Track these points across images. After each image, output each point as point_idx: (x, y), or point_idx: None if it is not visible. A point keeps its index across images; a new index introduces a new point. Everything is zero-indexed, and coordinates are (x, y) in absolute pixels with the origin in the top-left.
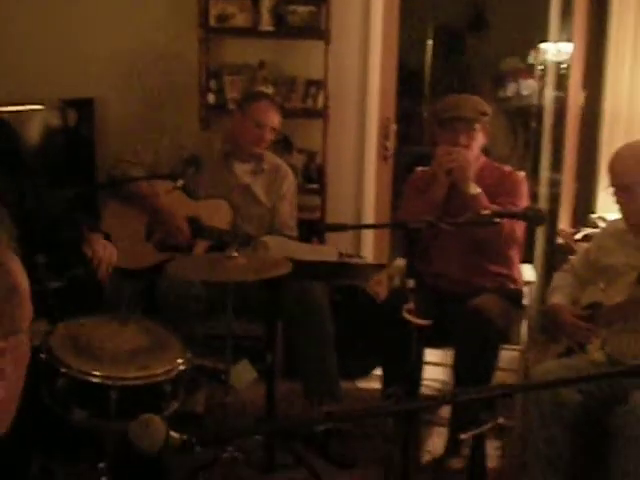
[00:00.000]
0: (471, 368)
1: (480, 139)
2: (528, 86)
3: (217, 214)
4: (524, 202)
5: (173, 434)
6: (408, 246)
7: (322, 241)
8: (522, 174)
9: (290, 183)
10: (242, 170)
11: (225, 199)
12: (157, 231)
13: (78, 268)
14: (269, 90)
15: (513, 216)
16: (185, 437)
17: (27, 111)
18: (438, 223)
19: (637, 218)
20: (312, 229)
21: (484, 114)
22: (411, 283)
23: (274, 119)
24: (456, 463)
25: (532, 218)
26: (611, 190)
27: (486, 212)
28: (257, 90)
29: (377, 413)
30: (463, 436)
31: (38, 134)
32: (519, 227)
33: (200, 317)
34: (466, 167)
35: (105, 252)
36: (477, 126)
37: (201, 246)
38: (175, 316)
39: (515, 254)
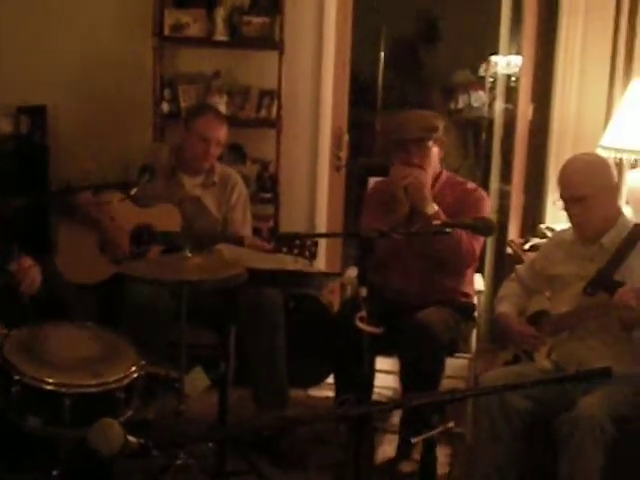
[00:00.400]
0: (416, 378)
1: (435, 154)
2: (478, 98)
3: (167, 219)
4: None
5: (130, 438)
6: (361, 255)
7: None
8: (482, 191)
9: (240, 191)
10: (191, 183)
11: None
12: (108, 244)
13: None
14: (223, 100)
15: (463, 226)
16: (142, 441)
17: None
18: (390, 233)
19: (590, 230)
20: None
21: (434, 130)
22: (364, 292)
23: (219, 133)
24: (407, 466)
25: (482, 229)
26: (560, 203)
27: (437, 222)
28: (201, 104)
29: (330, 418)
30: (414, 440)
31: None
32: (477, 244)
33: (164, 323)
34: (420, 187)
35: (29, 272)
36: (429, 143)
37: (154, 251)
38: (141, 324)
39: (472, 271)
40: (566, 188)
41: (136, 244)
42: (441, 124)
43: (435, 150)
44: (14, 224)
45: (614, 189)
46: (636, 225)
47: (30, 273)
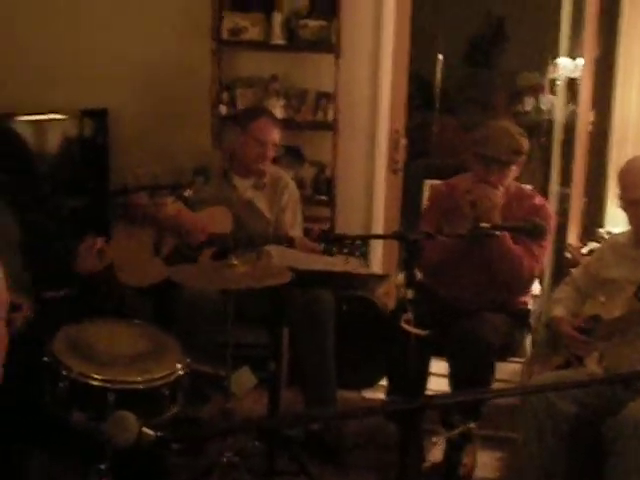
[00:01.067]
0: (464, 382)
1: (513, 175)
2: (547, 101)
3: (219, 221)
4: (548, 238)
5: (147, 431)
6: (407, 257)
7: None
8: (549, 208)
9: (291, 193)
10: (243, 185)
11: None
12: (165, 245)
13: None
14: (280, 102)
15: (512, 229)
16: (159, 434)
17: (48, 120)
18: (436, 235)
19: None
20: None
21: (519, 153)
22: (410, 294)
23: (275, 135)
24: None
25: (532, 231)
26: (621, 204)
27: (486, 225)
28: (256, 106)
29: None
30: (434, 439)
31: (57, 143)
32: (539, 264)
33: (216, 325)
34: (492, 208)
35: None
36: (512, 167)
37: (206, 254)
38: (193, 326)
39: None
40: (626, 189)
41: (190, 247)
42: (527, 146)
43: (514, 172)
44: (74, 224)
45: None
46: None
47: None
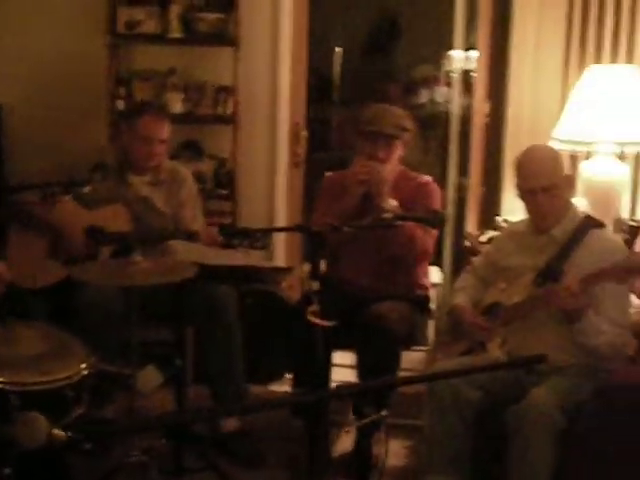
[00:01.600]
0: (372, 372)
1: (399, 152)
2: (442, 93)
3: (117, 219)
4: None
5: (57, 431)
6: (313, 249)
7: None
8: (434, 185)
9: (189, 188)
10: (139, 182)
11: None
12: (60, 247)
13: None
14: (179, 96)
15: (413, 219)
16: (70, 434)
17: None
18: (341, 227)
19: (550, 219)
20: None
21: (405, 129)
22: (315, 286)
23: (160, 131)
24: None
25: (431, 220)
26: (518, 193)
27: (388, 215)
28: (142, 102)
29: (279, 405)
30: (346, 429)
31: None
32: (431, 239)
33: (117, 323)
34: (382, 183)
35: None
36: (397, 142)
37: (105, 253)
38: (94, 324)
39: (425, 265)
40: (533, 178)
41: (87, 246)
42: (412, 126)
43: (399, 149)
44: None
45: (570, 180)
46: (586, 217)
47: None
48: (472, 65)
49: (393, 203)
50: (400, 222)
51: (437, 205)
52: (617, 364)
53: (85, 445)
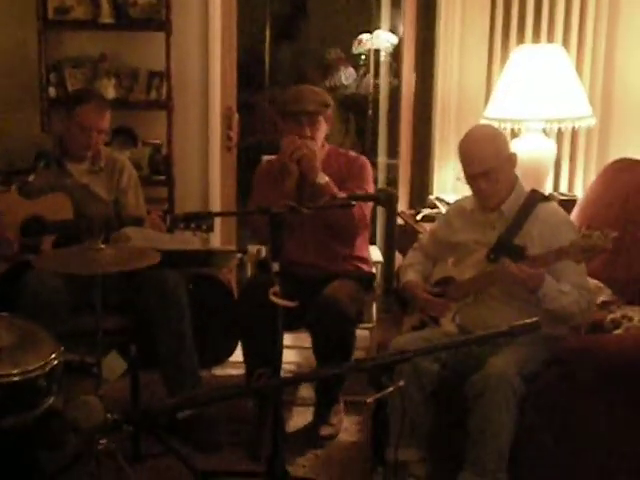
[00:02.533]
0: (328, 351)
1: (324, 129)
2: (350, 75)
3: (58, 208)
4: (370, 184)
5: (108, 415)
6: (271, 231)
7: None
8: (365, 158)
9: (130, 174)
10: (78, 170)
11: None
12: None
13: None
14: (111, 82)
15: (367, 199)
16: (116, 417)
17: None
18: (299, 208)
19: (495, 200)
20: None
21: (326, 105)
22: (276, 267)
23: (99, 121)
24: (325, 430)
25: (385, 200)
26: (463, 179)
27: (342, 196)
28: (81, 91)
29: (254, 391)
30: (369, 400)
31: None
32: (367, 210)
33: (62, 313)
34: (313, 157)
35: None
36: (320, 118)
37: (47, 242)
38: (39, 315)
39: (365, 237)
40: (472, 165)
41: (27, 237)
42: (331, 101)
43: (324, 126)
44: None
45: (512, 159)
46: (532, 191)
47: None
48: (385, 46)
49: (325, 178)
50: (354, 202)
51: (369, 179)
52: (568, 331)
53: (125, 427)
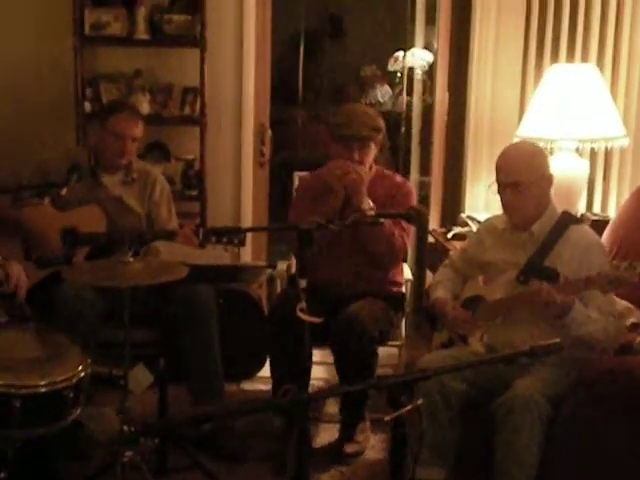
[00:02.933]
0: (349, 370)
1: (373, 153)
2: (385, 92)
3: (91, 220)
4: None
5: (124, 427)
6: (299, 247)
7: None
8: (411, 185)
9: (162, 188)
10: (111, 182)
11: (96, 204)
12: (34, 250)
13: None
14: (145, 98)
15: (398, 216)
16: (132, 429)
17: None
18: (327, 225)
19: (521, 217)
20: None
21: (377, 130)
22: (303, 283)
23: (134, 130)
24: (351, 447)
25: (415, 218)
26: (495, 187)
27: (371, 213)
28: (115, 101)
29: (277, 406)
30: (387, 418)
31: None
32: (408, 240)
33: (94, 325)
34: (360, 183)
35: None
36: (371, 143)
37: (81, 254)
38: (72, 326)
39: (400, 261)
40: (503, 173)
41: (62, 248)
42: (382, 125)
43: (373, 149)
44: None
45: (548, 179)
46: (564, 213)
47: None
48: (421, 64)
49: (370, 204)
50: (382, 220)
51: (413, 203)
52: (599, 355)
53: (141, 439)
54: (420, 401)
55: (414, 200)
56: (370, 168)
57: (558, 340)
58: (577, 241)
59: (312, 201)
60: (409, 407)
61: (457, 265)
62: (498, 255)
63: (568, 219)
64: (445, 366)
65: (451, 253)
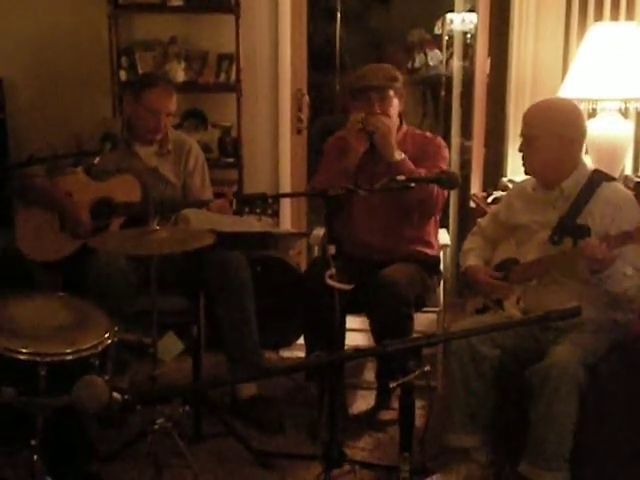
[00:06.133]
0: (386, 334)
1: (396, 105)
2: (435, 56)
3: (126, 190)
4: (444, 165)
5: (115, 394)
6: (327, 213)
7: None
8: (441, 139)
9: (197, 157)
10: (146, 153)
11: (131, 174)
12: (68, 220)
13: None
14: (181, 65)
15: (428, 181)
16: (126, 397)
17: None
18: (356, 189)
19: (533, 168)
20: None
21: (395, 79)
22: (332, 250)
23: (168, 105)
24: (386, 415)
25: (446, 182)
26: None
27: (401, 178)
28: (149, 74)
29: (307, 367)
30: (392, 385)
31: None
32: (443, 195)
33: (127, 294)
34: (387, 133)
35: None
36: (390, 92)
37: (116, 223)
38: (105, 295)
39: (435, 220)
40: (524, 125)
41: (97, 218)
42: (401, 76)
43: (396, 102)
44: None
45: (571, 138)
46: (595, 170)
47: None
48: (468, 27)
49: (402, 155)
50: (413, 184)
51: (445, 160)
52: (634, 317)
53: (137, 407)
54: (427, 368)
55: (446, 153)
56: (400, 126)
57: (577, 304)
58: (609, 198)
59: (338, 159)
60: (416, 373)
61: (487, 231)
62: (529, 217)
63: (600, 177)
64: (455, 331)
65: (479, 220)
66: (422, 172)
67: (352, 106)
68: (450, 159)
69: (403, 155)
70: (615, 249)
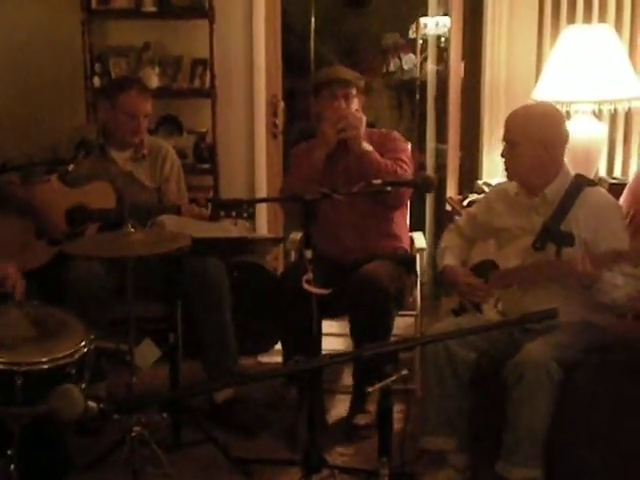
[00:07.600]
0: (367, 334)
1: (356, 103)
2: (409, 60)
3: (101, 196)
4: (405, 154)
5: (90, 403)
6: (304, 218)
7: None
8: (396, 132)
9: (173, 162)
10: (122, 158)
11: (105, 180)
12: (44, 227)
13: None
14: (155, 71)
15: (404, 184)
16: (102, 406)
17: None
18: (332, 194)
19: (517, 174)
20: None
21: (359, 79)
22: (309, 254)
23: (145, 106)
24: (362, 419)
25: (422, 185)
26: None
27: (377, 182)
28: (122, 78)
29: (283, 374)
30: (370, 389)
31: None
32: (409, 167)
33: (104, 300)
34: (358, 125)
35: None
36: (353, 91)
37: (91, 230)
38: (82, 303)
39: (402, 214)
40: (505, 130)
41: (72, 225)
42: (362, 81)
43: (357, 102)
44: None
45: (553, 143)
46: (577, 175)
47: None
48: (442, 31)
49: (369, 147)
50: (390, 188)
51: (405, 151)
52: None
53: (114, 416)
54: (405, 372)
55: (403, 143)
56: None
57: (554, 307)
58: (592, 203)
59: (306, 164)
60: (394, 377)
61: (464, 230)
62: (511, 221)
63: (582, 182)
64: (430, 335)
65: (456, 217)
66: (388, 163)
67: (315, 104)
68: (425, 162)
69: (370, 147)
70: (605, 266)
